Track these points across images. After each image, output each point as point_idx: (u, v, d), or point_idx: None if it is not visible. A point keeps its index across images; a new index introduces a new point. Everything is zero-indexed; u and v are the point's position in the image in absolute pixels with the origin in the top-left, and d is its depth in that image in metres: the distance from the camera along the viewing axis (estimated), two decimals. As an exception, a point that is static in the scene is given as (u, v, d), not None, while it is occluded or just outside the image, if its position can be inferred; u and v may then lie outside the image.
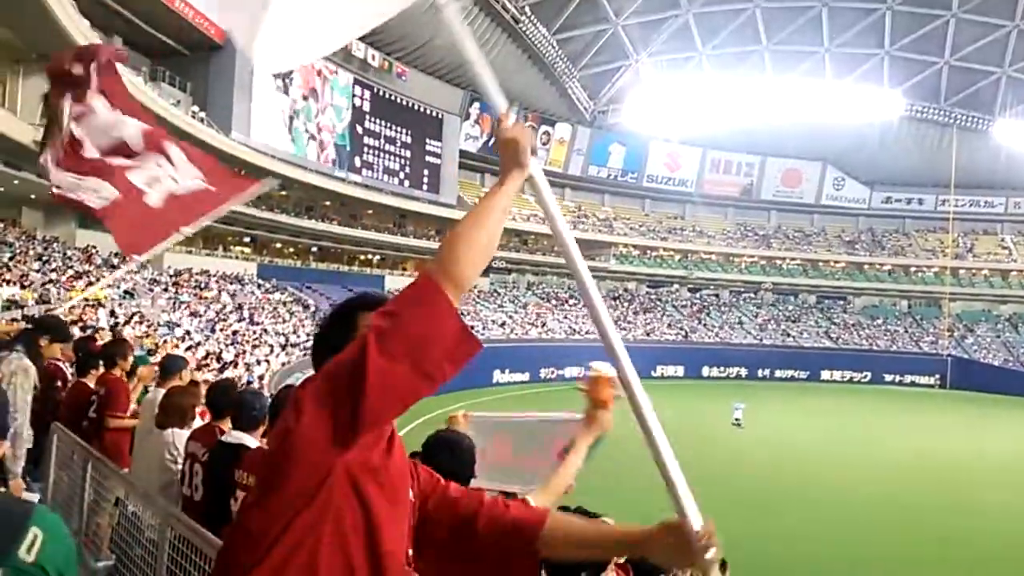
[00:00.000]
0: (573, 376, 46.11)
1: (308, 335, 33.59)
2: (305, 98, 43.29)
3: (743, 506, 18.32)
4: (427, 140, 51.38)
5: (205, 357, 22.99)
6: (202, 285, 33.04)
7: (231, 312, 31.54)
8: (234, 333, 28.80)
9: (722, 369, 52.87)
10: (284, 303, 36.81)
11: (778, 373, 53.71)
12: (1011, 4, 53.25)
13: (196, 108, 35.74)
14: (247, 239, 42.92)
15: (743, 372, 53.00)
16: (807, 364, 54.78)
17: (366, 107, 47.02)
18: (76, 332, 14.15)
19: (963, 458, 26.16)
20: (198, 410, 4.99)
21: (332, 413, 1.46)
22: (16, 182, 25.66)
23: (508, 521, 1.78)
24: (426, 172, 51.48)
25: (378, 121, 47.80)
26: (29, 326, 7.74)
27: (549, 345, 47.62)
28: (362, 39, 45.43)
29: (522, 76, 53.18)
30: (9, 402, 4.47)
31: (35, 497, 5.17)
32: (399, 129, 49.43)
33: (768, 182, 67.32)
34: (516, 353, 44.29)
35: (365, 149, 47.02)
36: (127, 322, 22.49)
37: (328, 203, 45.49)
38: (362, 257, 49.91)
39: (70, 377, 6.72)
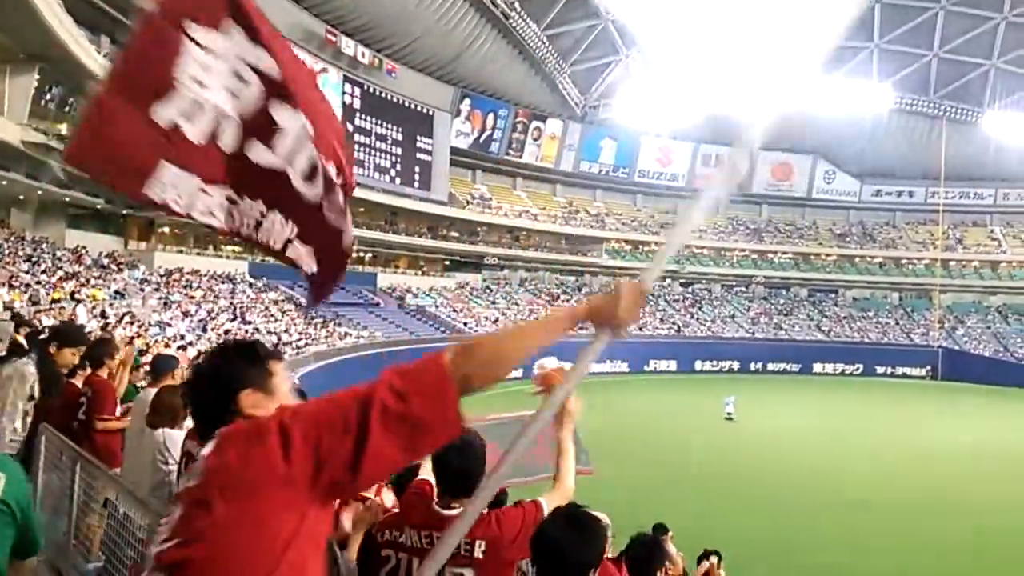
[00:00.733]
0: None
1: (300, 334, 33.53)
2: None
3: (738, 498, 18.38)
4: (418, 137, 51.29)
5: (197, 357, 22.90)
6: (193, 285, 32.93)
7: (222, 311, 31.44)
8: (226, 332, 28.72)
9: (714, 363, 52.99)
10: (276, 302, 36.71)
11: (770, 366, 53.86)
12: (999, -4, 53.47)
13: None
14: (235, 238, 42.73)
15: (735, 366, 53.12)
16: (799, 357, 54.92)
17: (356, 104, 46.90)
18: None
19: (956, 448, 26.27)
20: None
21: (321, 465, 1.45)
22: (4, 183, 25.51)
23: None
24: (417, 169, 51.40)
25: (368, 118, 47.70)
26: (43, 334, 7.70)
27: (542, 341, 47.55)
28: (351, 36, 45.33)
29: (512, 72, 53.13)
30: None
31: None
32: (390, 126, 49.33)
33: (759, 176, 67.39)
34: (509, 349, 44.20)
35: (356, 146, 46.90)
36: (118, 322, 22.39)
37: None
38: (353, 255, 49.83)
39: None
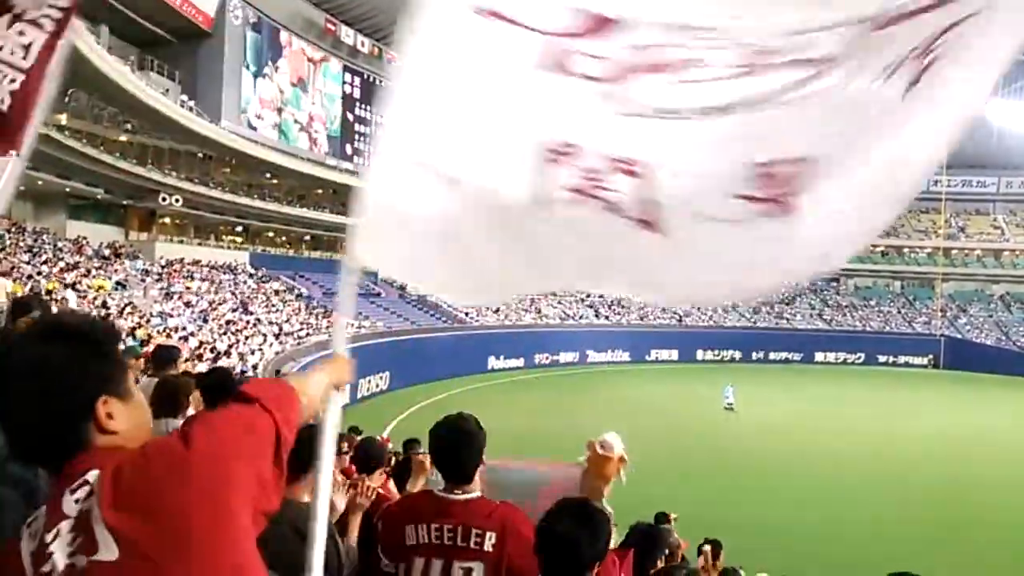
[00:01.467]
0: (568, 361, 46.26)
1: (302, 324, 33.54)
2: (293, 85, 43.04)
3: (739, 490, 18.41)
4: (418, 126, 51.14)
5: (199, 347, 22.93)
6: (194, 275, 32.92)
7: (224, 302, 31.45)
8: (227, 323, 28.74)
9: (716, 352, 52.98)
10: (277, 292, 36.72)
11: (772, 355, 53.83)
12: (1002, -17, 53.08)
13: (185, 97, 35.52)
14: (239, 228, 42.76)
15: (737, 355, 53.12)
16: (801, 346, 54.91)
17: (356, 94, 46.80)
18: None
19: (959, 437, 26.28)
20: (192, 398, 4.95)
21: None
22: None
23: None
24: (418, 159, 51.25)
25: (369, 108, 47.57)
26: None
27: (543, 330, 47.65)
28: (351, 25, 45.17)
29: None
30: None
31: None
32: (390, 116, 49.18)
33: (761, 165, 67.20)
34: (510, 339, 44.31)
35: (356, 136, 46.83)
36: (120, 313, 22.41)
37: (320, 191, 45.33)
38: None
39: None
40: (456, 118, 1.76)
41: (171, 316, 26.25)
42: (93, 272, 26.44)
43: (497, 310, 47.89)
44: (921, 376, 49.52)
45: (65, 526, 1.22)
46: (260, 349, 27.30)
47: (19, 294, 17.75)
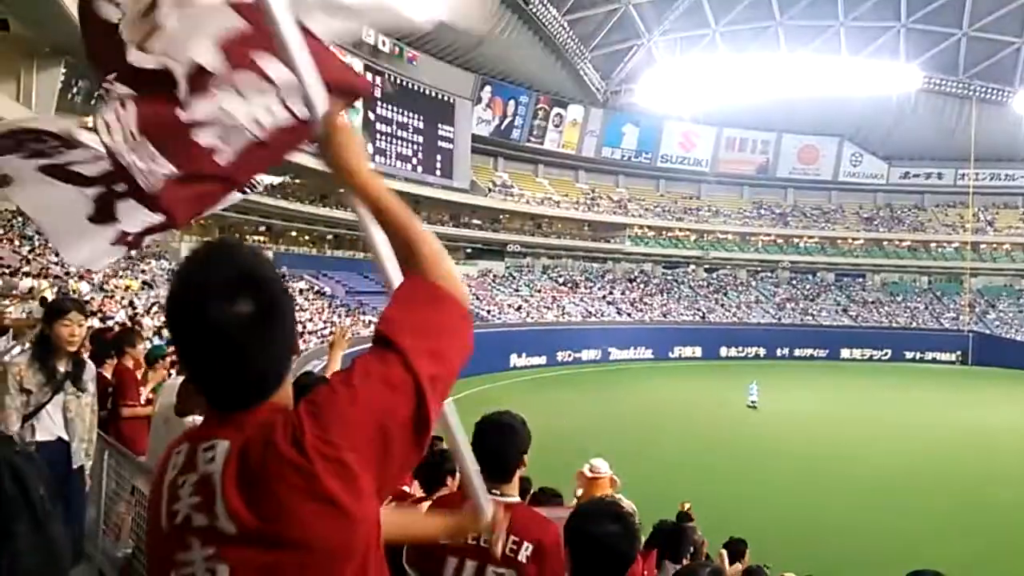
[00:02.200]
0: (591, 359, 46.16)
1: (325, 323, 33.71)
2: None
3: (762, 488, 18.30)
4: (439, 125, 51.25)
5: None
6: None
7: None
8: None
9: (740, 349, 52.66)
10: (301, 291, 36.95)
11: (797, 352, 53.43)
12: (1030, -27, 52.37)
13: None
14: (263, 228, 43.06)
15: (761, 352, 52.76)
16: (826, 342, 54.45)
17: (377, 93, 46.93)
18: (95, 323, 14.25)
19: (989, 433, 25.95)
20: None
21: (393, 457, 1.29)
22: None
23: None
24: (439, 157, 51.39)
25: (390, 107, 47.71)
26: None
27: (565, 328, 47.59)
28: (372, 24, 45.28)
29: (533, 58, 52.88)
30: None
31: None
32: (411, 115, 49.32)
33: (784, 159, 66.72)
34: (532, 337, 44.29)
35: (377, 135, 46.98)
36: (147, 312, 22.64)
37: (343, 190, 45.49)
38: (377, 244, 50.02)
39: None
40: None
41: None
42: (120, 272, 26.73)
43: (519, 308, 47.86)
44: (949, 373, 48.92)
45: (192, 478, 1.27)
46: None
47: (48, 296, 18.00)
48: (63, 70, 25.47)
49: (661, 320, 53.44)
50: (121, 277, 26.15)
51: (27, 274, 21.53)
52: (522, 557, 2.54)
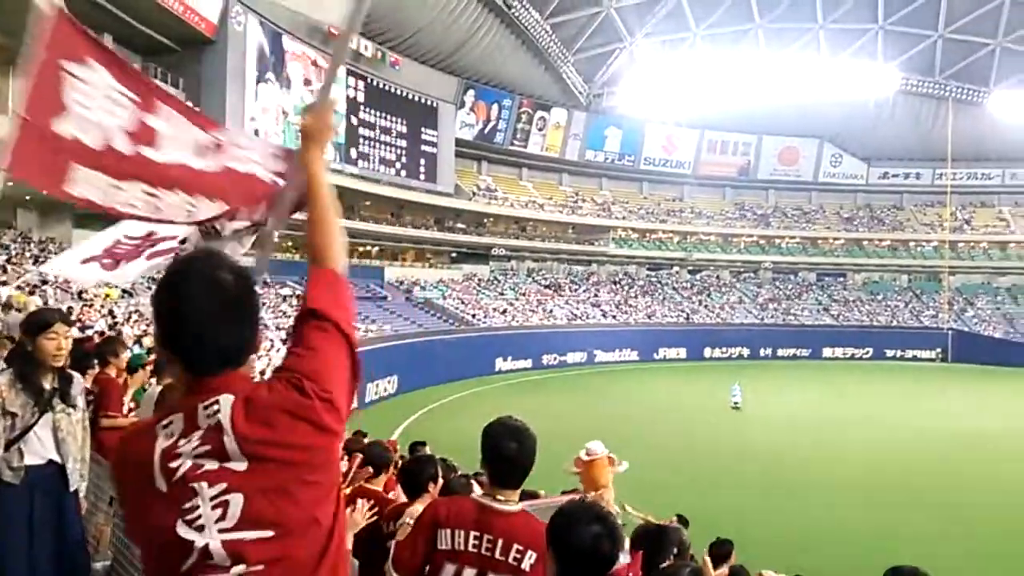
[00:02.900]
0: (576, 362, 46.23)
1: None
2: (304, 97, 43.10)
3: (746, 488, 18.38)
4: (422, 129, 51.19)
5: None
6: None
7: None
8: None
9: (724, 349, 52.90)
10: (284, 297, 36.78)
11: (780, 352, 53.76)
12: (1005, -26, 53.01)
13: (190, 104, 35.56)
14: (245, 234, 42.77)
15: (745, 352, 53.04)
16: (809, 342, 54.83)
17: (360, 98, 46.82)
18: (74, 332, 14.13)
19: (970, 431, 26.19)
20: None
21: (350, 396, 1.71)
22: (10, 183, 25.50)
23: None
24: (422, 161, 51.32)
25: (373, 111, 47.61)
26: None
27: (551, 331, 47.64)
28: (353, 29, 45.18)
29: (516, 62, 52.96)
30: None
31: None
32: (394, 119, 49.23)
33: (765, 161, 67.16)
34: (518, 340, 44.31)
35: (361, 140, 46.86)
36: (126, 320, 22.47)
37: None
38: (361, 249, 49.81)
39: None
40: None
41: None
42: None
43: (504, 311, 47.88)
44: (930, 370, 49.38)
45: (197, 435, 1.53)
46: (267, 354, 27.33)
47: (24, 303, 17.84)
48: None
49: (646, 322, 53.62)
50: (100, 286, 25.93)
51: (3, 283, 21.34)
52: (526, 566, 2.53)
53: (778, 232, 64.77)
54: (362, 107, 46.94)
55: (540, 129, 59.95)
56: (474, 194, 55.21)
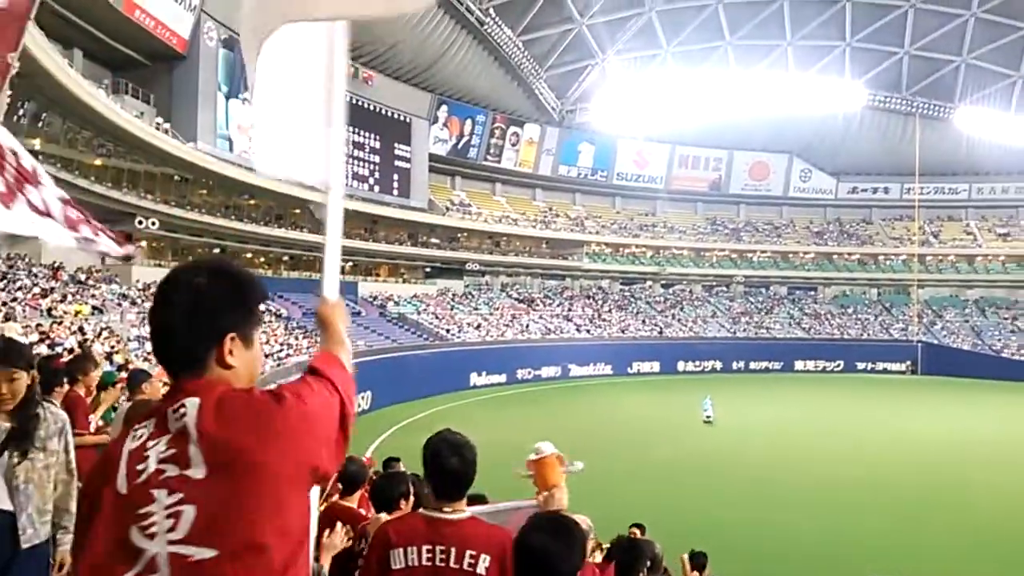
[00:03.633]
0: (551, 376, 46.27)
1: (282, 345, 33.34)
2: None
3: (718, 501, 18.46)
4: (396, 145, 51.23)
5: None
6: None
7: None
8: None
9: (697, 363, 53.15)
10: (265, 313, 36.46)
11: (752, 365, 54.12)
12: (967, -7, 54.20)
13: (160, 119, 35.35)
14: (216, 250, 42.46)
15: (718, 365, 53.33)
16: (780, 355, 55.26)
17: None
18: (43, 350, 13.96)
19: (939, 442, 26.51)
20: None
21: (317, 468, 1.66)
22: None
23: None
24: (396, 177, 51.33)
25: (346, 127, 47.43)
26: None
27: (525, 346, 47.64)
28: (326, 45, 45.21)
29: (488, 78, 53.19)
30: None
31: None
32: (367, 134, 49.23)
33: (736, 176, 67.88)
34: (492, 355, 44.28)
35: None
36: (96, 338, 22.19)
37: (298, 211, 45.15)
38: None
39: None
40: None
41: (149, 340, 25.97)
42: (69, 297, 26.18)
43: (478, 326, 47.85)
44: (899, 382, 49.95)
45: (165, 438, 1.51)
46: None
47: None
48: (9, 91, 24.97)
49: (619, 336, 53.79)
50: (71, 303, 25.61)
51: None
52: (480, 570, 2.54)
53: (749, 246, 65.38)
54: (335, 122, 46.83)
55: (513, 144, 60.18)
56: (448, 209, 55.24)
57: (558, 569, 2.18)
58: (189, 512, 1.42)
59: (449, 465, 2.71)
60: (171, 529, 1.41)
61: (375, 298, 46.96)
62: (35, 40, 21.59)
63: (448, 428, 2.90)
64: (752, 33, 57.69)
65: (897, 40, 58.59)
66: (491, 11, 48.18)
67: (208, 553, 1.40)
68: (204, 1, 36.64)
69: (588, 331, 53.42)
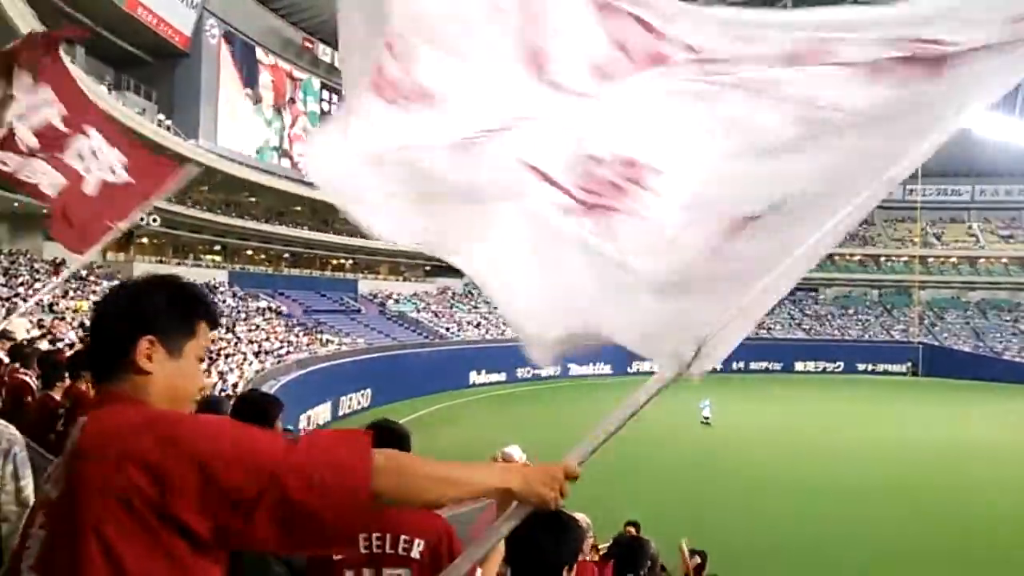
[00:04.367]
0: (550, 375, 46.28)
1: (282, 342, 33.35)
2: (279, 110, 42.95)
3: (716, 503, 18.46)
4: (397, 143, 51.20)
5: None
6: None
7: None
8: (210, 341, 28.47)
9: (697, 363, 52.95)
10: (258, 310, 36.53)
11: (752, 365, 54.06)
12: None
13: (162, 116, 35.38)
14: (217, 247, 42.53)
15: (718, 366, 52.78)
16: (781, 356, 55.20)
17: (334, 111, 46.74)
18: (45, 345, 13.96)
19: (941, 444, 26.49)
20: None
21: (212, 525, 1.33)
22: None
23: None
24: (397, 174, 51.31)
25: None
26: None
27: (525, 345, 47.53)
28: (328, 43, 45.27)
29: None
30: None
31: None
32: (369, 132, 49.22)
33: (738, 176, 67.89)
34: (492, 354, 44.25)
35: (335, 153, 46.76)
36: (97, 334, 22.19)
37: (299, 208, 45.20)
38: (335, 262, 49.69)
39: (37, 392, 6.62)
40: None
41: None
42: (71, 293, 26.20)
43: (478, 325, 47.86)
44: (900, 384, 49.90)
45: (64, 458, 1.37)
46: (240, 368, 27.12)
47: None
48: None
49: (620, 336, 53.75)
50: (72, 299, 25.64)
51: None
52: (415, 554, 2.61)
53: (751, 246, 65.28)
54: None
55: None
56: (449, 208, 55.22)
57: (548, 561, 2.19)
58: (40, 535, 1.30)
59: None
60: (28, 556, 1.30)
61: (375, 296, 46.99)
62: (28, 23, 21.60)
63: (385, 418, 2.94)
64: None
65: (900, 40, 58.53)
66: None
67: None
68: (207, -2, 36.70)
69: (589, 330, 53.36)
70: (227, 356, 27.75)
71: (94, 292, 28.01)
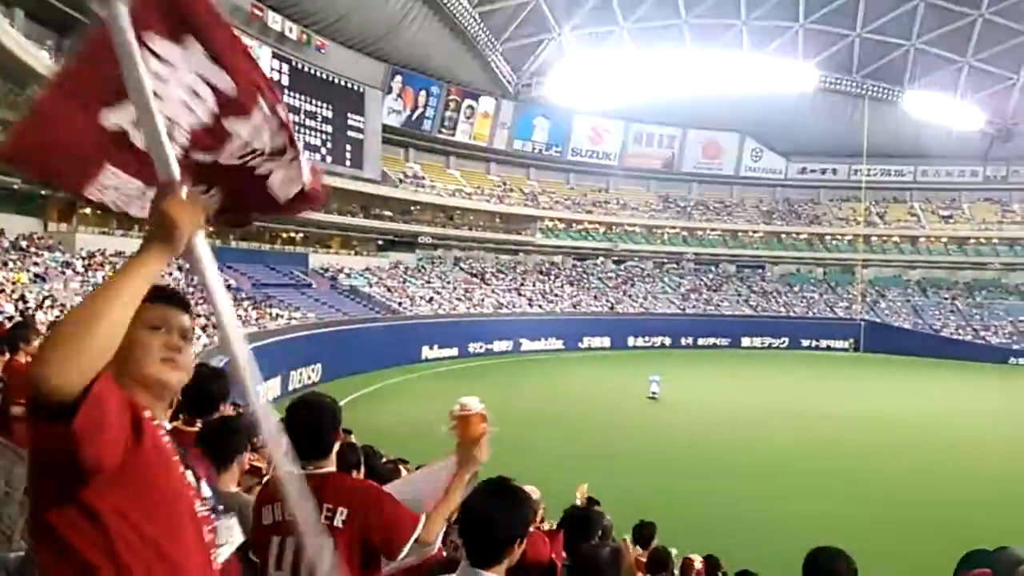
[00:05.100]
0: (502, 350, 46.45)
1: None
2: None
3: (666, 476, 18.79)
4: (348, 115, 50.52)
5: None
6: (117, 267, 31.90)
7: (149, 294, 30.54)
8: (153, 315, 27.93)
9: (647, 339, 53.78)
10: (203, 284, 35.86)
11: (700, 341, 54.95)
12: (917, -22, 55.10)
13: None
14: (164, 218, 41.55)
15: (667, 341, 54.03)
16: (728, 331, 56.19)
17: (284, 81, 45.92)
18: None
19: (884, 415, 27.27)
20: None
21: None
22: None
23: None
24: (348, 147, 50.67)
25: (297, 96, 46.76)
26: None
27: (477, 320, 47.69)
28: (278, 10, 44.31)
29: (444, 49, 52.65)
30: None
31: None
32: (319, 104, 48.47)
33: (689, 154, 68.43)
34: (444, 329, 44.26)
35: (285, 124, 45.91)
36: (39, 307, 21.64)
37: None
38: (284, 235, 48.97)
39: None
40: None
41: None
42: (10, 264, 25.47)
43: (431, 300, 47.74)
44: (842, 359, 51.22)
45: None
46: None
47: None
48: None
49: (571, 311, 54.14)
50: (11, 270, 24.91)
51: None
52: (337, 522, 2.62)
53: (700, 224, 66.14)
54: (287, 91, 46.03)
55: (468, 117, 59.80)
56: (401, 181, 54.80)
57: (499, 533, 2.23)
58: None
59: (305, 425, 2.76)
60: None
61: (326, 270, 46.50)
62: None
63: (312, 391, 2.95)
64: (708, 11, 57.96)
65: (849, 22, 59.40)
66: (448, -19, 47.59)
67: None
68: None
69: (540, 306, 53.67)
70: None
71: (35, 263, 27.28)
